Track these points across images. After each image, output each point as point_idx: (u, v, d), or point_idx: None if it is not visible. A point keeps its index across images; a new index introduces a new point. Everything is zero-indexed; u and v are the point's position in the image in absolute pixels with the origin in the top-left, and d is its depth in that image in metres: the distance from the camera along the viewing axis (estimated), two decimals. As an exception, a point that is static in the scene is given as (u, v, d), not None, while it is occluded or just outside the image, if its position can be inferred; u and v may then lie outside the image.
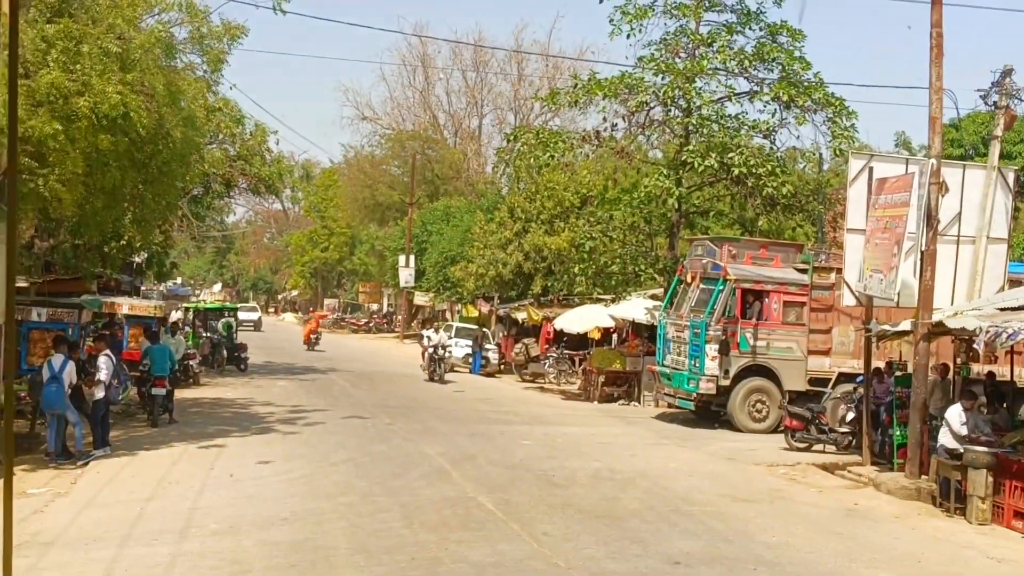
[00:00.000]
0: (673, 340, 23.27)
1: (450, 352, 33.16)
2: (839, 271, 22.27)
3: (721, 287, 21.98)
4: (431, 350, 31.21)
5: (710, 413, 22.81)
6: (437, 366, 30.85)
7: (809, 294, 22.34)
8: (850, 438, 18.82)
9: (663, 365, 23.79)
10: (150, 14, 17.52)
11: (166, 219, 22.79)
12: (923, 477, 15.12)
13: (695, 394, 22.22)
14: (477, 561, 9.99)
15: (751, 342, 22.02)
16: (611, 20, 27.44)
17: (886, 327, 16.86)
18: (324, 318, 58.91)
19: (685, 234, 29.99)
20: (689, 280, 23.36)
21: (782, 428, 20.10)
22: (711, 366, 21.62)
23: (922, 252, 15.64)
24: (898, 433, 16.51)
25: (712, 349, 21.57)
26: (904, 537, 12.41)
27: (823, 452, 18.81)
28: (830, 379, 22.00)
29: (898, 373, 17.73)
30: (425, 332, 34.75)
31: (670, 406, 24.57)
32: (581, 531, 11.55)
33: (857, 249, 17.04)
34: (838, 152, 26.70)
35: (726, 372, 21.74)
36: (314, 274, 78.80)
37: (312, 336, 44.72)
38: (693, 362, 22.05)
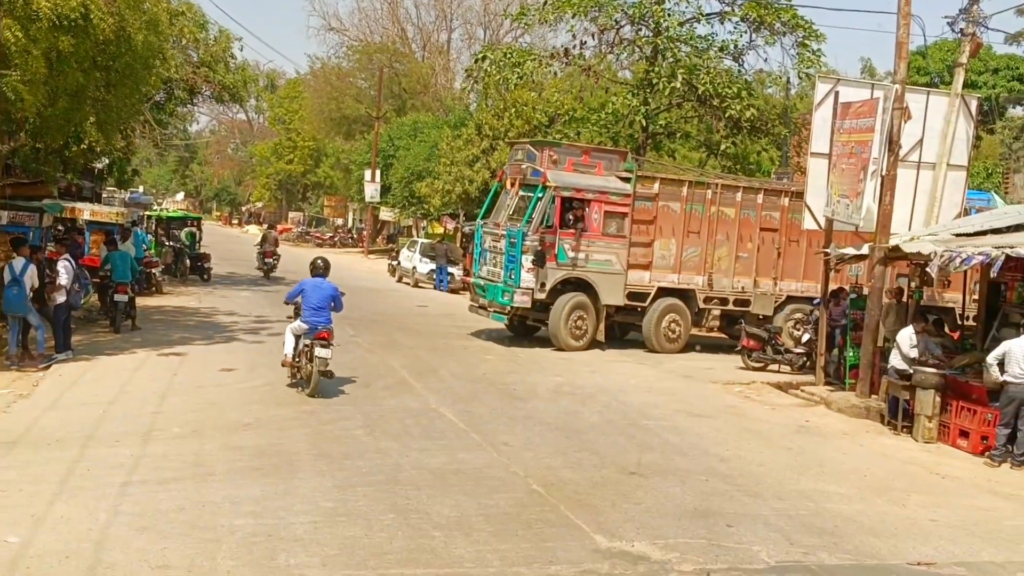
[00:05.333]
0: (489, 250, 21.67)
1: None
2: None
3: (540, 194, 20.41)
4: None
5: (525, 328, 21.90)
6: None
7: (632, 204, 21.04)
8: (805, 359, 19.29)
9: (478, 276, 22.18)
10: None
11: (128, 124, 22.43)
12: (873, 397, 15.55)
13: (509, 307, 20.75)
14: (437, 468, 10.23)
15: (570, 254, 20.54)
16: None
17: (846, 250, 17.11)
18: None
19: (651, 156, 30.04)
20: (508, 186, 21.82)
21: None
22: (527, 278, 20.17)
23: (882, 176, 15.82)
24: (851, 354, 16.89)
25: (528, 260, 20.17)
26: (851, 453, 12.83)
27: (778, 372, 19.26)
28: (649, 294, 21.23)
29: (853, 296, 18.04)
30: None
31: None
32: (540, 442, 11.82)
33: (820, 173, 17.22)
34: (805, 76, 26.79)
35: (542, 285, 20.30)
36: (279, 186, 78.04)
37: None
38: (508, 274, 20.56)
